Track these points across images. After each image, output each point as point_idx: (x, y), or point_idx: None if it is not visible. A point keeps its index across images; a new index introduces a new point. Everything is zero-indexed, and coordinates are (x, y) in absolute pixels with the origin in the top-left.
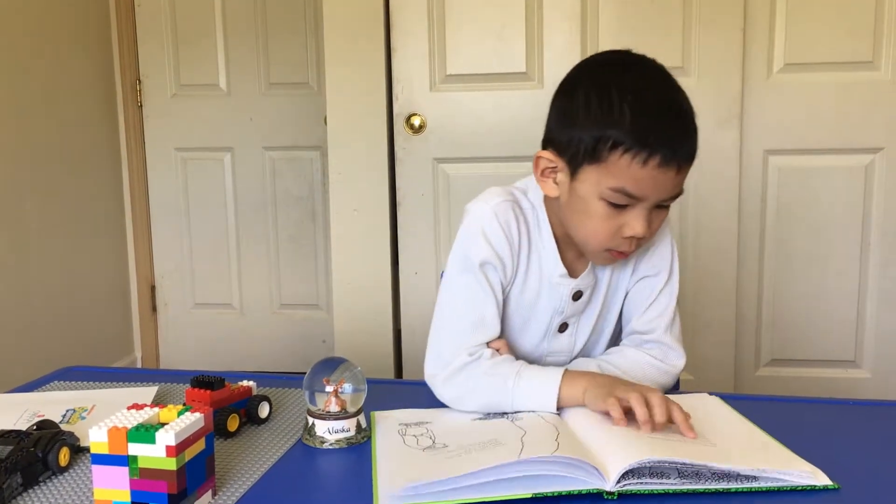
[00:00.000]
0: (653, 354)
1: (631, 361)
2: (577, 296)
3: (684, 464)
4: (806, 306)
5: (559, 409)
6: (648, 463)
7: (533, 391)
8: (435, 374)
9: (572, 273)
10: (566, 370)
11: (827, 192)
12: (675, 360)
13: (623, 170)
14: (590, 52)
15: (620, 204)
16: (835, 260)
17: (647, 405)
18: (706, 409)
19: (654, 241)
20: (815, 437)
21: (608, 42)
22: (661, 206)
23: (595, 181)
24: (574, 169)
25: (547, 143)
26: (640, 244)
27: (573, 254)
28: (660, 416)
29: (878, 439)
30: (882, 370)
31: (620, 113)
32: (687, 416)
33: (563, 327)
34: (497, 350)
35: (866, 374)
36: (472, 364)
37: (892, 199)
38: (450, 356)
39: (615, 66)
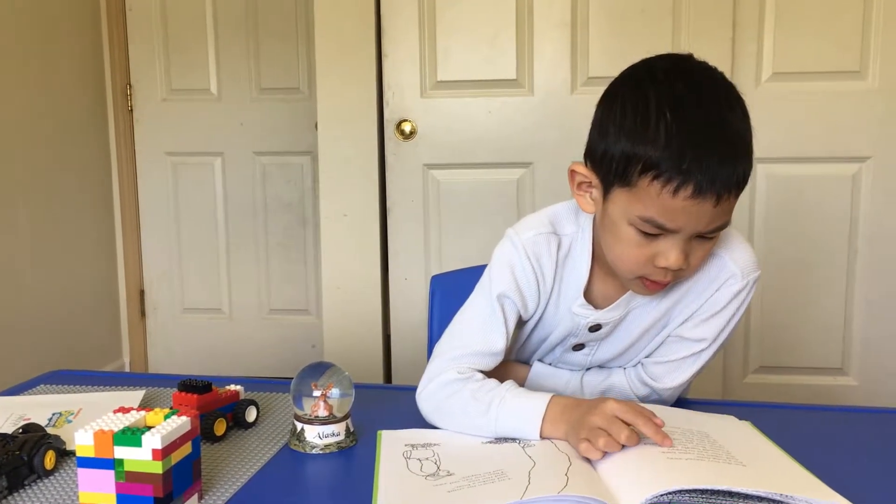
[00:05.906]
0: (640, 395)
1: (606, 389)
2: (594, 328)
3: (707, 490)
4: (794, 314)
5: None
6: (667, 495)
7: (515, 421)
8: (422, 389)
9: (600, 303)
10: (553, 399)
11: (815, 201)
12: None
13: (652, 198)
14: (580, 60)
15: (651, 233)
16: (822, 268)
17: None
18: (736, 430)
19: (718, 307)
20: (802, 444)
21: (598, 50)
22: (704, 238)
23: (624, 206)
24: (606, 188)
25: (585, 155)
26: (679, 276)
27: (617, 282)
28: (626, 439)
29: (865, 447)
30: (869, 378)
31: (655, 131)
32: (658, 423)
33: (578, 347)
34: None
35: (853, 381)
36: (459, 381)
37: (879, 207)
38: (437, 372)
39: (662, 74)
